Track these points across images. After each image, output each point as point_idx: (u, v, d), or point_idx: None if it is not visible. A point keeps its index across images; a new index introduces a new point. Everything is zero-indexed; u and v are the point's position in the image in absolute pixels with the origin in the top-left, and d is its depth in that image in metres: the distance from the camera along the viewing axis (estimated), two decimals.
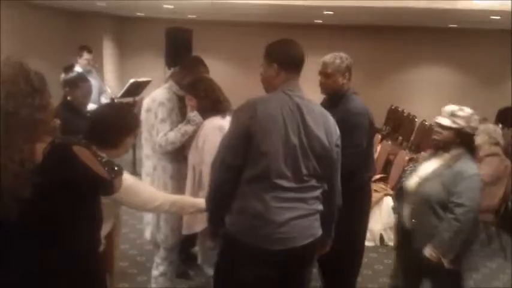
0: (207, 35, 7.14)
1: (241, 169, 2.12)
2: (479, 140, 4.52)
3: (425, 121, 7.49)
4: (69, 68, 6.13)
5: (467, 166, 2.67)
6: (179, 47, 4.90)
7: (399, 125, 8.55)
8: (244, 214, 2.13)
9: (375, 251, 4.65)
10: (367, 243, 4.59)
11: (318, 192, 2.24)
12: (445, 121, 2.72)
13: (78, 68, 6.07)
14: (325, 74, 3.04)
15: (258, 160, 2.09)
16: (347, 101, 3.03)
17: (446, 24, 9.43)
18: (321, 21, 9.58)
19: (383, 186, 4.95)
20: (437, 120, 2.79)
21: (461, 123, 2.69)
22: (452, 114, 2.72)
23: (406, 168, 5.35)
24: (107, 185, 1.65)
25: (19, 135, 1.48)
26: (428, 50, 10.25)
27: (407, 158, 5.22)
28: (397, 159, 5.38)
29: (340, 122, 2.96)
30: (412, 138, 7.61)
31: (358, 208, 3.16)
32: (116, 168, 1.68)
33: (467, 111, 2.73)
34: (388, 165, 5.81)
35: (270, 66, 2.23)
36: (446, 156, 2.76)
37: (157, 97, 3.01)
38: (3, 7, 6.60)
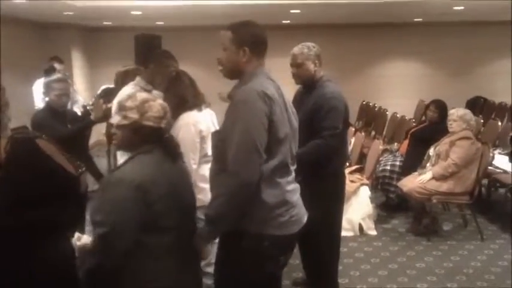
0: (175, 40, 7.13)
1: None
2: (456, 126, 4.65)
3: (397, 113, 7.61)
4: (49, 70, 6.06)
5: None
6: (149, 53, 4.88)
7: (371, 119, 8.67)
8: (265, 205, 2.05)
9: (354, 240, 4.70)
10: (347, 233, 4.66)
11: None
12: None
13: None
14: (296, 64, 3.18)
15: (276, 148, 2.05)
16: (321, 86, 3.15)
17: (412, 19, 9.64)
18: (288, 21, 9.67)
19: (359, 177, 5.01)
20: None
21: None
22: None
23: (381, 159, 5.51)
24: (73, 180, 1.63)
25: None
26: (396, 45, 10.43)
27: (381, 147, 5.31)
28: (371, 150, 5.46)
29: (316, 107, 3.07)
30: (385, 131, 7.73)
31: (332, 191, 3.25)
32: (81, 167, 1.67)
33: None
34: (362, 158, 5.89)
35: (239, 50, 2.11)
36: None
37: (124, 92, 3.01)
38: None
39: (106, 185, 1.94)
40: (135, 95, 2.01)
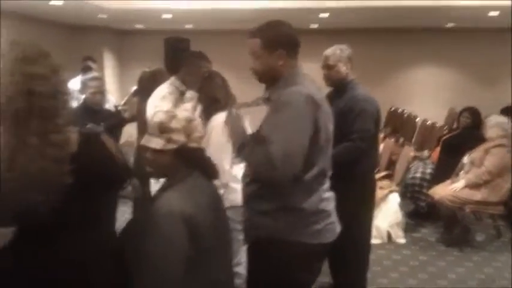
0: (203, 44, 7.21)
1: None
2: (492, 132, 4.54)
3: (427, 120, 7.48)
4: (85, 69, 6.18)
5: None
6: (177, 56, 4.94)
7: (399, 126, 8.54)
8: (301, 213, 1.98)
9: (382, 248, 4.61)
10: (374, 241, 4.57)
11: None
12: None
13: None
14: (328, 66, 3.15)
15: (317, 156, 1.96)
16: (352, 89, 3.11)
17: (444, 24, 9.47)
18: (316, 26, 9.63)
19: (388, 183, 4.93)
20: None
21: None
22: None
23: (411, 166, 5.41)
24: (125, 177, 1.66)
25: (57, 119, 1.49)
26: (426, 51, 10.26)
27: (412, 154, 5.22)
28: (402, 157, 5.37)
29: (346, 110, 3.02)
30: (414, 138, 7.60)
31: (360, 196, 3.18)
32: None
33: None
34: (391, 165, 5.80)
35: (273, 54, 1.99)
36: None
37: (159, 92, 3.06)
38: (4, 20, 6.61)
39: (150, 220, 1.70)
40: (176, 116, 1.80)
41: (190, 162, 1.81)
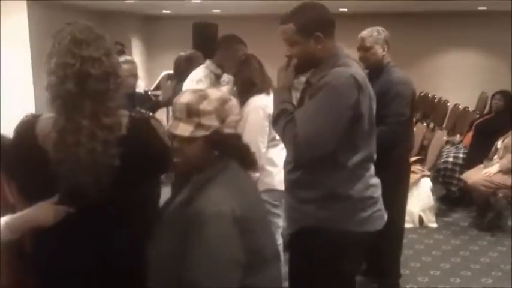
0: (231, 29, 7.22)
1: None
2: None
3: (459, 105, 7.37)
4: (118, 53, 6.23)
5: None
6: (205, 41, 4.97)
7: (430, 110, 8.44)
8: (347, 200, 1.91)
9: (414, 232, 4.60)
10: (406, 225, 4.53)
11: None
12: None
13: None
14: (364, 48, 3.11)
15: (361, 141, 1.89)
16: (388, 72, 3.08)
17: (476, 7, 9.25)
18: (345, 10, 9.52)
19: (420, 168, 4.89)
20: None
21: None
22: None
23: (443, 150, 5.36)
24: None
25: (109, 102, 1.50)
26: (457, 34, 10.06)
27: (444, 138, 5.16)
28: (434, 141, 5.32)
29: (382, 93, 2.98)
30: (445, 123, 7.50)
31: (395, 180, 3.09)
32: None
33: None
34: (423, 150, 5.74)
35: (310, 38, 1.89)
36: None
37: (194, 76, 3.10)
38: (33, 8, 6.72)
39: (196, 224, 1.44)
40: (208, 95, 1.52)
41: (225, 152, 1.54)
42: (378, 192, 2.02)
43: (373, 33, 3.10)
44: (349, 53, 2.00)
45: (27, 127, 1.54)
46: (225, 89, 3.14)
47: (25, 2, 5.54)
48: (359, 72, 1.88)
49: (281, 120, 1.92)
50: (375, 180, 2.02)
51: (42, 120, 1.53)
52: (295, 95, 2.11)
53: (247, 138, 2.71)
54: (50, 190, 1.50)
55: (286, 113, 1.91)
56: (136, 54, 10.28)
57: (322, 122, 1.80)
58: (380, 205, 2.02)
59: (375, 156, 2.03)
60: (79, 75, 1.46)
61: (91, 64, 1.48)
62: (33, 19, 7.11)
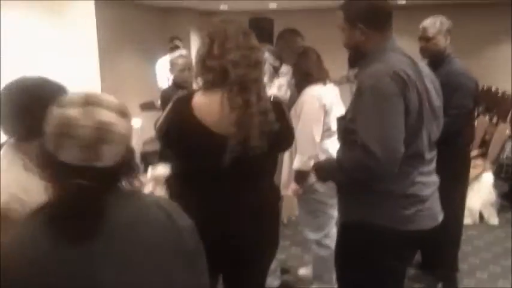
0: (286, 23, 7.26)
1: None
2: None
3: None
4: (173, 49, 6.42)
5: None
6: (261, 36, 5.00)
7: (493, 104, 8.12)
8: (389, 196, 1.87)
9: (474, 228, 4.47)
10: (466, 221, 4.42)
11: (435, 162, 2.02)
12: None
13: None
14: (426, 38, 3.07)
15: (409, 137, 1.79)
16: (449, 63, 3.02)
17: None
18: (404, 2, 9.31)
19: (481, 163, 4.75)
20: None
21: None
22: None
23: (506, 145, 5.16)
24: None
25: (261, 83, 1.81)
26: None
27: (507, 132, 4.98)
28: (496, 135, 5.14)
29: (442, 84, 2.92)
30: (509, 116, 7.20)
31: (454, 173, 3.00)
32: None
33: None
34: (484, 144, 5.56)
35: (354, 29, 1.89)
36: None
37: None
38: (98, 3, 6.99)
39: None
40: None
41: None
42: (426, 191, 1.91)
43: (436, 23, 3.03)
44: (403, 45, 1.94)
45: (184, 100, 1.80)
46: (283, 80, 3.20)
47: (93, 1, 5.78)
48: (403, 67, 1.79)
49: (344, 171, 1.93)
50: (426, 179, 1.92)
51: (197, 96, 1.79)
52: (351, 87, 2.13)
53: (302, 127, 2.79)
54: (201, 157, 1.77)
55: (337, 167, 2.01)
56: (195, 48, 10.51)
57: (383, 124, 1.74)
58: (429, 204, 1.92)
59: (430, 155, 1.94)
60: (250, 63, 1.74)
61: (257, 53, 1.78)
62: (103, 16, 7.41)
